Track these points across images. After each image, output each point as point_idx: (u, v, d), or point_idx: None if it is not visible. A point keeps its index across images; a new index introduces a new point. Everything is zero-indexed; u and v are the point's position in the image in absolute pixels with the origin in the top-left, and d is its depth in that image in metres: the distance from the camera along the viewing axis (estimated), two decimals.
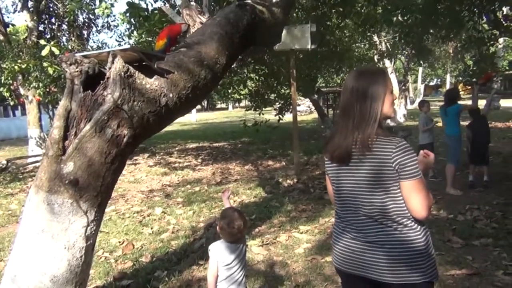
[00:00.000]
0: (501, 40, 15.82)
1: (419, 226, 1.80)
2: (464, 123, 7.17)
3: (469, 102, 10.26)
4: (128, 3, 7.27)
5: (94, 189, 2.25)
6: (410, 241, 1.78)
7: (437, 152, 7.01)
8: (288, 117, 12.46)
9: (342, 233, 1.95)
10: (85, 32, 15.08)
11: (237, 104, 52.81)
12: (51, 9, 13.85)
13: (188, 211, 6.36)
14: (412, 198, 1.75)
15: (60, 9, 13.12)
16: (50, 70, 9.36)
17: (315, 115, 22.90)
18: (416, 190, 1.74)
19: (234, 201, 6.70)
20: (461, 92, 16.89)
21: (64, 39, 14.24)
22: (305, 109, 31.50)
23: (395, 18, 8.73)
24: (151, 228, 5.61)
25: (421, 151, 1.97)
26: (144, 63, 2.43)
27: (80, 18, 14.47)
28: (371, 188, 1.80)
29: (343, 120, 1.89)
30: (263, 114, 13.10)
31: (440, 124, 7.38)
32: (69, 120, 2.25)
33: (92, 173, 2.21)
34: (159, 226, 5.73)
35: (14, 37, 15.60)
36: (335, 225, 2.04)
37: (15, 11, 14.17)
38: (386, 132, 1.84)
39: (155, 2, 9.20)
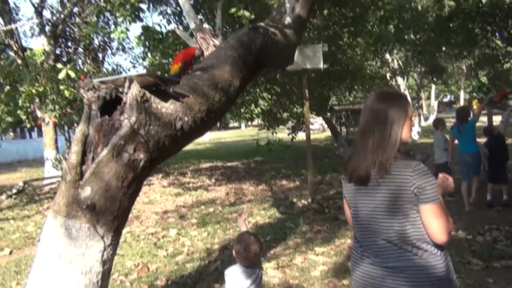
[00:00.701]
0: None
1: (439, 251, 1.77)
2: (479, 140, 7.05)
3: (484, 119, 10.16)
4: (143, 27, 7.46)
5: (111, 213, 2.25)
6: (431, 266, 1.74)
7: (453, 171, 6.91)
8: (301, 135, 12.45)
9: (361, 258, 1.92)
10: (100, 55, 15.39)
11: (249, 123, 52.87)
12: (68, 33, 14.19)
13: (202, 233, 6.33)
14: (432, 222, 1.72)
15: (76, 33, 13.44)
16: (67, 93, 9.50)
17: (328, 133, 22.83)
18: (436, 215, 1.72)
19: (249, 222, 6.64)
20: (474, 108, 16.71)
21: (80, 61, 14.54)
22: (318, 127, 31.46)
23: (406, 37, 8.77)
24: (166, 250, 5.59)
25: (440, 175, 1.94)
26: (159, 87, 2.45)
27: (96, 41, 14.81)
28: (390, 213, 1.78)
29: (362, 141, 1.87)
30: (276, 133, 13.09)
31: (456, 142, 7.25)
32: (86, 145, 2.27)
33: (109, 197, 2.22)
34: (174, 248, 5.71)
35: (31, 60, 15.96)
36: (353, 250, 2.01)
37: (32, 35, 14.56)
38: (403, 155, 1.82)
39: (168, 25, 9.39)
